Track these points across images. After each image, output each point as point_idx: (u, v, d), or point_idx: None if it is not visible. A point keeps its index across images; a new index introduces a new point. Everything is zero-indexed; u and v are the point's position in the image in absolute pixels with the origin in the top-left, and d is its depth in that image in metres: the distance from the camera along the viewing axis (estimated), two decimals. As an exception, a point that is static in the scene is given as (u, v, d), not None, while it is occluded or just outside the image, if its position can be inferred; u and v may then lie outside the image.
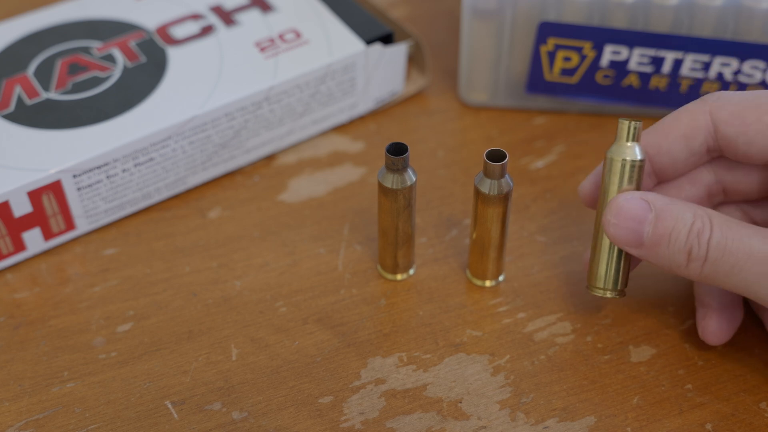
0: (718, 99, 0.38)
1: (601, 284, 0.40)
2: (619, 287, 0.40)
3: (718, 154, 0.39)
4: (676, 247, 0.36)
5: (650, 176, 0.40)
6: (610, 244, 0.39)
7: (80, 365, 0.41)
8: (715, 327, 0.40)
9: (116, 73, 0.48)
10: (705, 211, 0.37)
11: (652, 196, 0.37)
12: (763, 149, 0.37)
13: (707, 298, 0.40)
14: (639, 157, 0.37)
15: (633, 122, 0.37)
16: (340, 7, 0.52)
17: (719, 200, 0.41)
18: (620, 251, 0.39)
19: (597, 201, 0.40)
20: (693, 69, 0.49)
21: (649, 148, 0.39)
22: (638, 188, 0.38)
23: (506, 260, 0.45)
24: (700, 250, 0.36)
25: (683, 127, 0.38)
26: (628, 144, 0.37)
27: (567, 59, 0.49)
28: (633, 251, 0.38)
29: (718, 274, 0.36)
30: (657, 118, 0.51)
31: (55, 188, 0.44)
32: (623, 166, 0.37)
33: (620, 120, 0.37)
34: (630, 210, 0.37)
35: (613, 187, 0.38)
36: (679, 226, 0.36)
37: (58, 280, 0.45)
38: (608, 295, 0.40)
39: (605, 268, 0.39)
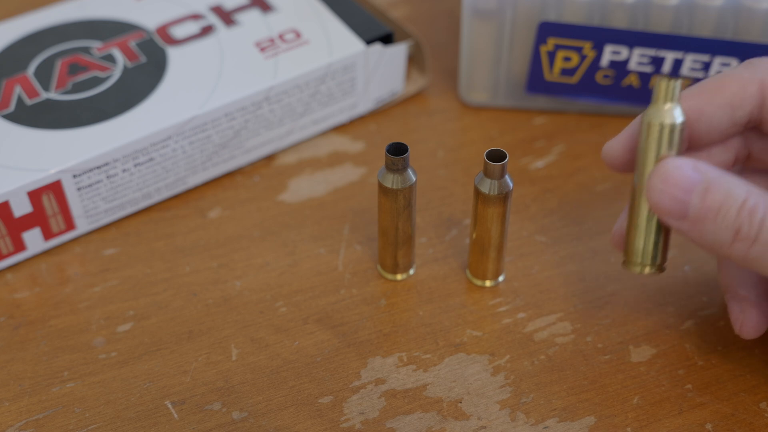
0: None
1: (639, 259, 0.37)
2: (658, 262, 0.37)
3: (755, 125, 0.37)
4: (724, 224, 0.34)
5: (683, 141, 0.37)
6: (649, 214, 0.36)
7: (80, 365, 0.41)
8: (755, 321, 0.38)
9: (116, 73, 0.48)
10: (760, 189, 0.34)
11: (704, 166, 0.34)
12: None
13: (743, 290, 0.38)
14: (679, 120, 0.34)
15: (672, 81, 0.34)
16: (340, 7, 0.52)
17: (740, 166, 0.39)
18: (659, 222, 0.36)
19: (624, 164, 0.38)
20: (693, 69, 0.49)
21: (691, 113, 0.36)
22: (679, 154, 0.35)
23: (506, 260, 0.45)
24: (751, 229, 0.33)
25: (730, 95, 0.36)
26: (667, 106, 0.34)
27: (567, 59, 0.49)
28: (674, 223, 0.35)
29: (767, 256, 0.34)
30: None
31: (55, 188, 0.44)
32: (662, 131, 0.34)
33: (658, 78, 0.34)
34: (679, 177, 0.34)
35: (652, 153, 0.35)
36: (730, 202, 0.33)
37: (58, 280, 0.45)
38: (647, 271, 0.37)
39: (643, 241, 0.36)
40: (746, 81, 0.36)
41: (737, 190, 0.34)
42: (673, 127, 0.34)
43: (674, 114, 0.34)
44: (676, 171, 0.34)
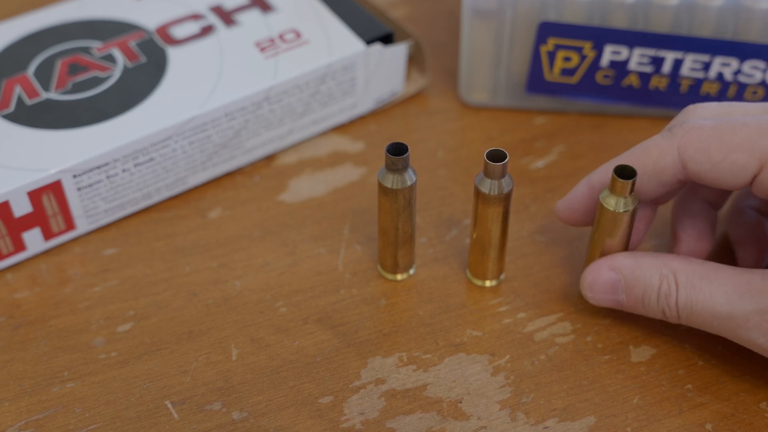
0: (686, 134, 0.38)
1: None
2: None
3: (689, 181, 0.40)
4: (651, 308, 0.39)
5: None
6: None
7: (80, 365, 0.41)
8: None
9: (116, 73, 0.48)
10: (671, 268, 0.38)
11: (619, 262, 0.40)
12: (732, 183, 0.38)
13: (678, 230, 0.43)
14: (631, 208, 0.39)
15: (626, 182, 0.38)
16: (340, 7, 0.52)
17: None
18: None
19: (574, 221, 0.42)
20: (693, 69, 0.49)
21: None
22: (629, 231, 0.40)
23: (506, 260, 0.45)
24: (671, 310, 0.39)
25: (651, 164, 0.39)
26: (619, 199, 0.38)
27: (567, 59, 0.49)
28: (617, 307, 0.41)
29: (692, 325, 0.39)
30: (657, 118, 0.51)
31: (55, 188, 0.44)
32: (615, 217, 0.39)
33: (614, 175, 0.38)
34: (601, 283, 0.40)
35: (604, 231, 0.40)
36: (648, 291, 0.39)
37: (58, 280, 0.45)
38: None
39: None
40: (664, 149, 0.38)
41: (652, 279, 0.39)
42: (624, 215, 0.39)
43: (628, 203, 0.39)
44: (598, 278, 0.40)
